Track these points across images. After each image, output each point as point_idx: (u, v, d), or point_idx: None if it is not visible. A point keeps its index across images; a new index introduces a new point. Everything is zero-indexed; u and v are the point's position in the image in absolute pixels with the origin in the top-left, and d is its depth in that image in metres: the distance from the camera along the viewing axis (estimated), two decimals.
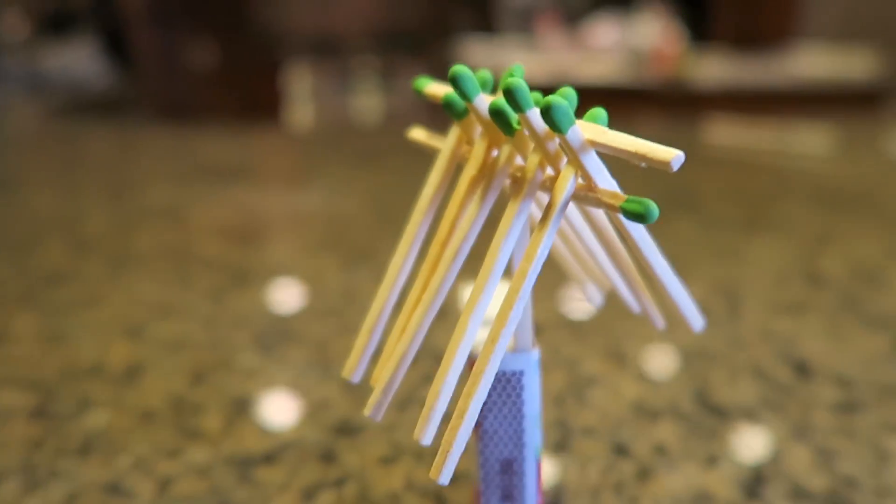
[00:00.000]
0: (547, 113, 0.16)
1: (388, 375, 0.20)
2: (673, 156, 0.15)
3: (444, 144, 0.22)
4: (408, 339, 0.19)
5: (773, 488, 0.30)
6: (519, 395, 0.22)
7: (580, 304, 0.48)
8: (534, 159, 0.19)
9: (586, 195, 0.18)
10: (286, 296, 0.49)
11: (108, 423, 0.34)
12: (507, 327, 0.18)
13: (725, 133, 1.07)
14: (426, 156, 0.98)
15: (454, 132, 0.21)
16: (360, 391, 0.37)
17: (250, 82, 1.68)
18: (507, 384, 0.22)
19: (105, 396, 0.37)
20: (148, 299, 0.49)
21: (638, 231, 0.19)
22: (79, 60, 2.03)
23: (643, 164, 0.16)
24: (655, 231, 0.62)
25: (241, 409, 0.36)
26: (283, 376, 0.39)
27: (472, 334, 0.18)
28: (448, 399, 0.18)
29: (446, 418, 0.34)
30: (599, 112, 0.18)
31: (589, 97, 2.00)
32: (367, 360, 0.21)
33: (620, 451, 0.32)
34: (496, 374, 0.22)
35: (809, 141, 0.99)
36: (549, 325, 0.45)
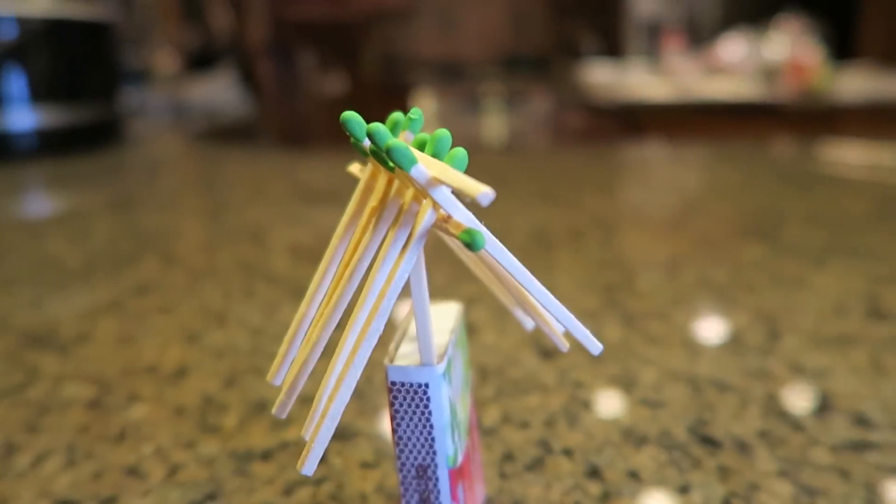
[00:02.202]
0: (388, 153, 0.19)
1: (291, 380, 0.22)
2: (479, 192, 0.17)
3: (361, 177, 0.24)
4: (308, 348, 0.22)
5: None
6: (426, 406, 0.24)
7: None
8: (410, 192, 0.21)
9: (441, 225, 0.20)
10: None
11: (145, 416, 0.40)
12: (366, 341, 0.20)
13: (850, 152, 1.01)
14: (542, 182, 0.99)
15: (368, 167, 0.24)
16: (365, 402, 0.40)
17: (375, 108, 1.75)
18: (414, 395, 0.24)
19: (151, 393, 0.42)
20: (211, 309, 0.55)
21: (505, 258, 0.20)
22: (218, 91, 2.24)
23: (468, 199, 0.18)
24: (717, 256, 0.61)
25: (258, 410, 0.40)
26: (305, 385, 0.42)
27: (349, 345, 0.21)
28: (324, 402, 0.21)
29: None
30: (459, 152, 0.20)
31: (716, 114, 1.92)
32: (288, 366, 0.24)
33: (593, 473, 0.33)
34: (406, 385, 0.24)
35: None
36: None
